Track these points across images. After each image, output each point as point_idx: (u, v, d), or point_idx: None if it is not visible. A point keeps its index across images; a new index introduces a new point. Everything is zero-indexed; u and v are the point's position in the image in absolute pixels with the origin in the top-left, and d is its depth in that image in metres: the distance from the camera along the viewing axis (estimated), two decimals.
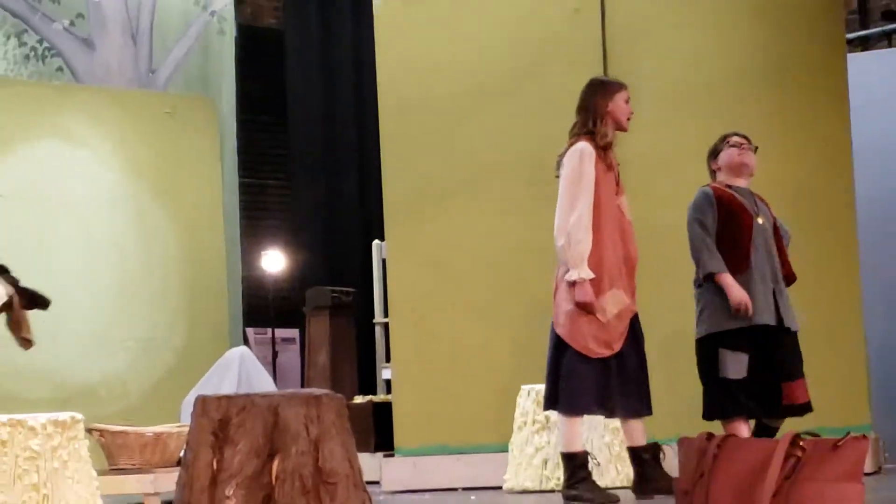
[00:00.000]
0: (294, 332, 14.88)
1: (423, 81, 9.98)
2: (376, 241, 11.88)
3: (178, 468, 6.93)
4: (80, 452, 8.74)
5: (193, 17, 13.87)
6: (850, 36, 12.00)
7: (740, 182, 7.43)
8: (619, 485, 8.37)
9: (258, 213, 15.01)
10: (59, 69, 13.13)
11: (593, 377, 7.37)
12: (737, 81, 9.42)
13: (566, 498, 7.25)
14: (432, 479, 9.48)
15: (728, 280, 7.23)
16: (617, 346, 7.40)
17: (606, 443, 8.66)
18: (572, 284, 7.28)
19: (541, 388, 8.70)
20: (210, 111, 13.01)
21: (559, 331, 7.45)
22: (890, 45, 13.17)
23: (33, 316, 10.71)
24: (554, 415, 7.91)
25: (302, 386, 13.01)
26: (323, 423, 6.58)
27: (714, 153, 7.57)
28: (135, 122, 12.25)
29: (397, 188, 10.02)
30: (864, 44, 13.22)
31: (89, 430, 9.10)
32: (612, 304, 7.42)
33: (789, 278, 7.40)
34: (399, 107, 10.05)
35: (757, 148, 7.54)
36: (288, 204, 15.68)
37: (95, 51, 13.35)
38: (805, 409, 7.19)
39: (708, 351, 7.30)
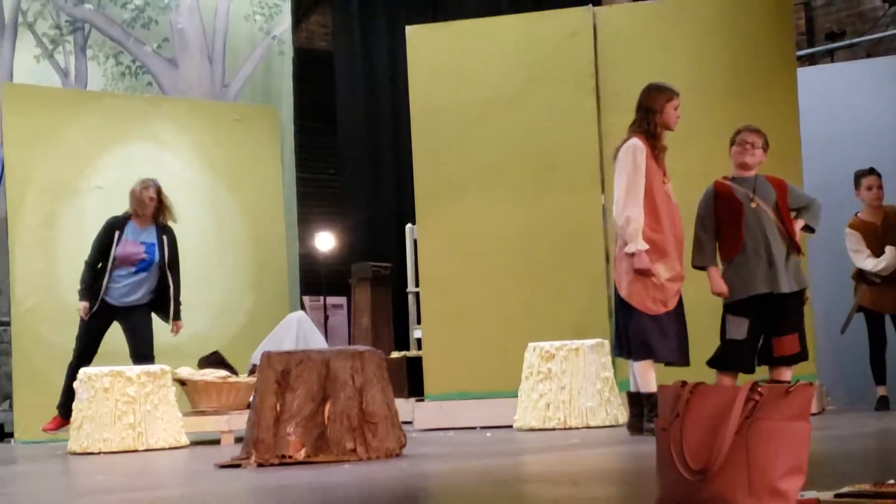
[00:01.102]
0: (342, 300, 14.86)
1: (446, 92, 10.01)
2: (409, 225, 11.86)
3: (248, 410, 6.98)
4: (168, 398, 8.84)
5: (258, 40, 13.86)
6: (800, 53, 11.94)
7: (746, 174, 7.46)
8: (607, 424, 8.39)
9: (311, 202, 14.98)
10: (149, 84, 13.13)
11: (654, 330, 7.44)
12: (707, 91, 9.40)
13: (647, 430, 7.17)
14: (455, 419, 9.51)
15: (711, 273, 7.46)
16: (671, 305, 7.45)
17: (598, 389, 8.65)
18: (631, 255, 7.32)
19: (543, 344, 8.79)
20: (272, 118, 13.00)
21: (622, 294, 7.51)
22: (832, 61, 13.09)
23: None
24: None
25: (348, 343, 12.98)
26: (366, 373, 6.63)
27: (731, 143, 7.64)
28: (210, 127, 12.24)
29: (426, 181, 10.06)
30: (811, 60, 13.16)
31: (176, 380, 9.14)
32: (665, 270, 7.44)
33: (795, 247, 7.42)
34: (427, 113, 10.09)
35: (767, 141, 7.56)
36: (336, 194, 15.66)
37: (178, 69, 13.35)
38: (795, 358, 7.34)
39: (721, 316, 7.45)
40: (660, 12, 10.32)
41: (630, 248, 7.40)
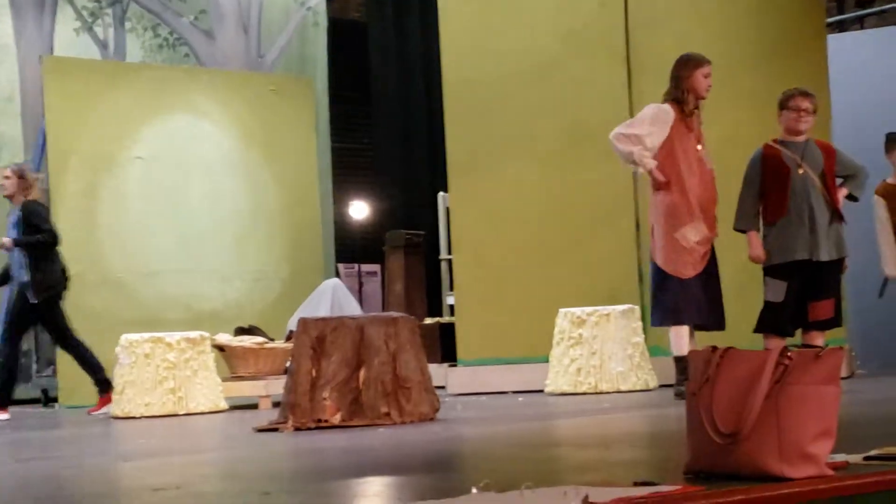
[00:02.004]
0: (376, 267, 14.86)
1: (478, 64, 9.98)
2: (441, 193, 11.85)
3: (285, 375, 6.99)
4: (208, 363, 8.88)
5: (293, 12, 13.86)
6: (830, 20, 11.84)
7: (797, 139, 7.35)
8: (637, 388, 8.37)
9: (346, 171, 15.00)
10: (187, 55, 13.17)
11: (685, 294, 7.46)
12: (739, 59, 9.36)
13: (677, 394, 7.19)
14: (487, 383, 9.51)
15: (751, 237, 7.38)
16: (700, 267, 7.45)
17: (629, 354, 8.64)
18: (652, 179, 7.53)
19: (574, 310, 8.80)
20: (307, 89, 13.00)
21: (657, 261, 7.56)
22: (862, 28, 13.00)
23: (172, 253, 10.73)
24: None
25: (382, 310, 12.99)
26: (399, 339, 6.63)
27: (780, 106, 7.50)
28: (247, 97, 12.25)
29: (458, 150, 10.06)
30: (841, 27, 13.06)
31: (215, 346, 9.17)
32: (693, 233, 7.44)
33: (838, 214, 7.32)
34: (459, 84, 10.06)
35: (815, 107, 7.44)
36: (370, 164, 15.66)
37: (215, 40, 13.37)
38: (829, 324, 7.31)
39: (763, 279, 7.40)
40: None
41: (637, 171, 7.85)
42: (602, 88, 9.65)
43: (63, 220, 10.74)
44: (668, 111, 7.56)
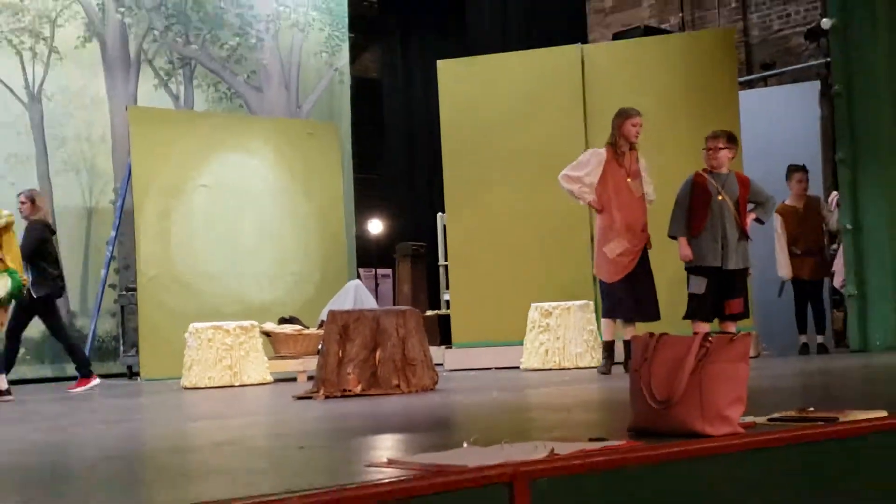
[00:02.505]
0: (388, 271, 14.90)
1: (467, 114, 10.05)
2: (439, 214, 11.87)
3: (318, 355, 6.99)
4: (257, 346, 8.90)
5: (324, 72, 13.88)
6: (741, 80, 11.85)
7: (721, 170, 7.40)
8: (592, 365, 8.38)
9: (364, 196, 15.02)
10: (240, 106, 13.18)
11: (611, 294, 7.57)
12: (670, 108, 9.42)
13: (600, 371, 7.49)
14: (476, 362, 9.53)
15: (681, 241, 7.44)
16: (623, 273, 7.49)
17: (584, 339, 8.69)
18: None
19: (543, 304, 8.91)
20: (334, 132, 13.02)
21: (595, 270, 7.83)
22: (766, 86, 13.04)
23: (228, 260, 10.68)
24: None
25: (393, 304, 13.00)
26: (407, 327, 6.63)
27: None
28: (287, 139, 12.26)
29: (452, 181, 10.15)
30: (749, 84, 13.08)
31: (262, 332, 9.18)
32: (617, 247, 7.49)
33: (745, 235, 7.39)
34: (453, 129, 10.13)
35: (731, 139, 7.53)
36: (384, 191, 15.69)
37: (263, 94, 13.39)
38: (739, 316, 7.39)
39: (687, 276, 7.46)
40: (633, 49, 10.34)
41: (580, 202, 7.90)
42: (564, 133, 9.68)
43: (144, 235, 10.76)
44: (601, 153, 7.67)
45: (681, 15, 15.39)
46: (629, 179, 7.61)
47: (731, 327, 7.44)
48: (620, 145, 7.61)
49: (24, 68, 11.76)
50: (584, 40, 12.44)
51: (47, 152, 11.76)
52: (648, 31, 13.52)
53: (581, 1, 13.68)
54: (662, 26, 14.98)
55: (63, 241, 11.71)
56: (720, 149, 7.39)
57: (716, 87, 9.60)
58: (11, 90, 11.64)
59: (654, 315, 7.52)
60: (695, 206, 7.36)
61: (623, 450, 2.69)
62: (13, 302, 7.95)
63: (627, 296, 7.50)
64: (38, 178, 11.62)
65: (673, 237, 7.54)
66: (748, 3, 14.59)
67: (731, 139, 7.51)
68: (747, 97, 10.94)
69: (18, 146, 11.58)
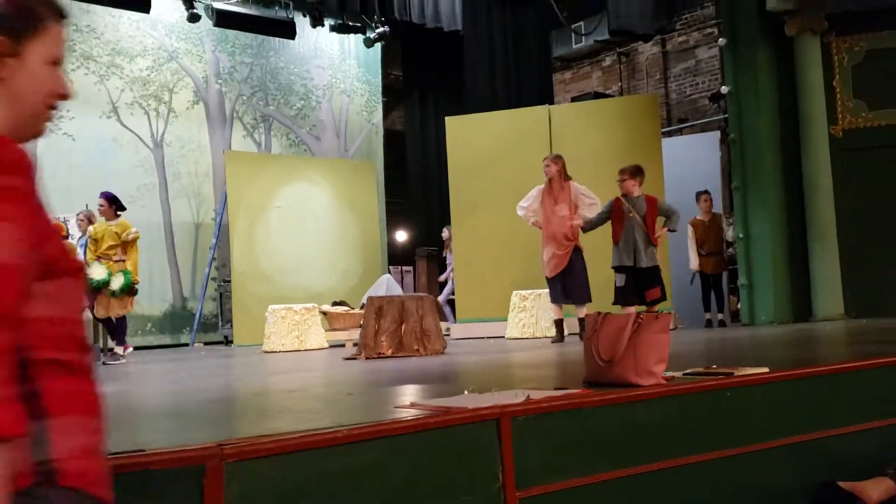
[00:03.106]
0: (410, 268, 14.89)
1: (467, 154, 10.05)
2: (447, 226, 11.85)
3: (360, 328, 6.99)
4: (317, 322, 8.92)
5: (364, 126, 13.90)
6: (663, 130, 11.87)
7: (633, 195, 7.19)
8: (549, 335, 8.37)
9: (393, 214, 15.03)
10: (305, 150, 13.20)
11: (552, 285, 7.51)
12: (612, 151, 9.38)
13: (552, 341, 7.37)
14: (474, 332, 9.50)
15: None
16: (556, 271, 7.41)
17: (552, 317, 8.67)
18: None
19: (522, 291, 8.82)
20: (371, 168, 13.06)
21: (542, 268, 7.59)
22: (682, 134, 13.03)
23: (295, 260, 10.60)
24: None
25: (414, 292, 13.00)
26: (424, 308, 6.61)
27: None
28: (338, 174, 12.29)
29: (456, 202, 10.15)
30: (669, 134, 13.09)
31: (321, 311, 9.19)
32: (546, 253, 7.47)
33: (651, 242, 7.13)
34: (457, 166, 10.13)
35: (634, 172, 7.25)
36: (406, 210, 15.68)
37: (321, 141, 13.40)
38: (657, 301, 7.17)
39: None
40: (586, 108, 10.33)
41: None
42: (537, 170, 9.64)
43: (235, 242, 10.79)
44: (540, 187, 7.65)
45: (620, 84, 15.40)
46: (556, 204, 7.52)
47: (654, 309, 7.38)
48: (555, 179, 7.56)
49: (150, 123, 11.79)
50: (551, 102, 12.42)
51: (167, 184, 11.79)
52: (597, 95, 13.52)
53: (549, 73, 13.69)
54: (607, 92, 14.98)
55: (179, 247, 11.75)
56: (625, 179, 7.19)
57: (645, 135, 9.59)
58: (141, 139, 11.68)
59: (581, 299, 7.42)
60: (613, 221, 7.21)
61: (579, 396, 2.68)
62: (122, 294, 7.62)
63: (559, 285, 7.42)
64: (160, 202, 11.65)
65: (585, 230, 7.45)
66: (669, 76, 14.61)
67: (635, 172, 7.24)
68: (669, 143, 10.95)
69: (146, 179, 11.62)
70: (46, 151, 10.75)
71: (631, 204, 7.23)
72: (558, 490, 2.47)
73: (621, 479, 2.60)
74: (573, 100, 14.38)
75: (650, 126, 9.71)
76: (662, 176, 9.38)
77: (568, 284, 7.41)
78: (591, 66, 15.97)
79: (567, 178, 7.62)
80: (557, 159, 7.62)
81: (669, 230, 7.39)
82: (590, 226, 7.41)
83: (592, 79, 15.84)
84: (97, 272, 7.31)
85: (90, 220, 8.23)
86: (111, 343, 7.78)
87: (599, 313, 3.19)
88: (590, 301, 7.46)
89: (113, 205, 7.52)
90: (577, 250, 7.49)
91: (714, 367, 3.30)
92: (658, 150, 9.51)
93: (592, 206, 7.55)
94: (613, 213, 7.29)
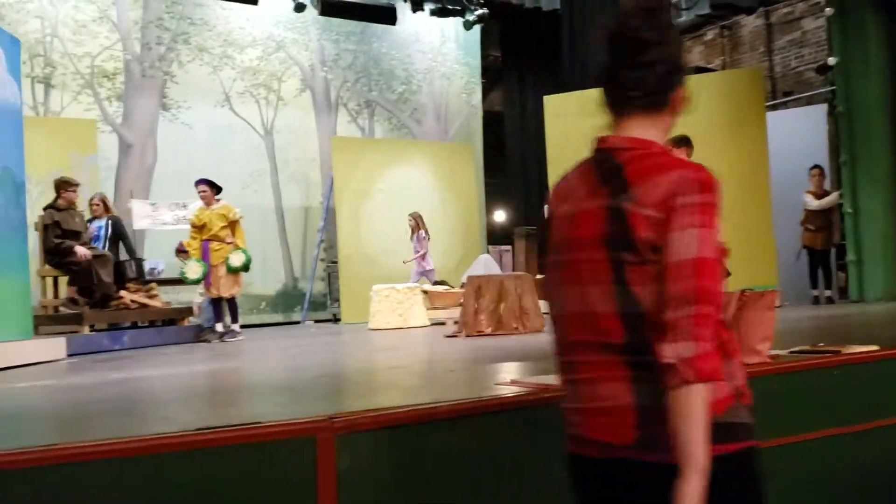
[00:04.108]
0: (509, 247, 14.83)
1: (565, 131, 9.85)
2: (545, 206, 11.69)
3: (460, 307, 7.02)
4: (419, 300, 9.00)
5: (464, 108, 13.88)
6: (768, 104, 11.40)
7: None
8: None
9: (492, 195, 14.99)
10: (407, 133, 13.29)
11: None
12: (715, 127, 9.04)
13: None
14: None
15: None
16: None
17: None
18: None
19: None
20: (471, 150, 13.02)
21: None
22: (787, 108, 12.51)
23: (399, 241, 10.70)
24: None
25: (513, 271, 12.96)
26: (523, 286, 6.59)
27: None
28: (439, 156, 12.32)
29: (555, 181, 9.90)
30: (774, 108, 12.57)
31: (423, 291, 9.26)
32: None
33: None
34: (555, 144, 10.01)
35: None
36: (505, 191, 15.62)
37: (422, 125, 13.46)
38: None
39: None
40: (689, 84, 9.91)
41: None
42: None
43: (342, 225, 11.01)
44: None
45: (722, 58, 14.88)
46: None
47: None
48: None
49: (260, 112, 12.11)
50: None
51: (277, 169, 12.11)
52: (699, 70, 13.09)
53: None
54: (709, 66, 14.50)
55: (289, 230, 12.08)
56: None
57: (750, 110, 9.22)
58: (253, 127, 12.02)
59: None
60: None
61: None
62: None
63: None
64: (271, 187, 11.98)
65: None
66: (773, 48, 14.03)
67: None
68: (773, 117, 10.51)
69: (258, 165, 11.96)
70: (166, 140, 11.22)
71: None
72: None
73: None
74: None
75: (754, 100, 9.32)
76: (767, 151, 9.01)
77: None
78: (692, 40, 15.47)
79: None
80: None
81: None
82: None
83: (694, 53, 15.35)
84: (193, 271, 7.52)
85: (105, 205, 8.24)
86: (229, 322, 8.03)
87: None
88: None
89: (213, 189, 7.68)
90: None
91: (821, 345, 3.18)
92: (762, 124, 9.14)
93: None
94: None
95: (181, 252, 8.96)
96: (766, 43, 14.12)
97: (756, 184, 8.94)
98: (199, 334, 7.95)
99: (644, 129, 1.55)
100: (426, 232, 10.36)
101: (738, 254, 8.70)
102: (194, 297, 9.33)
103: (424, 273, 10.29)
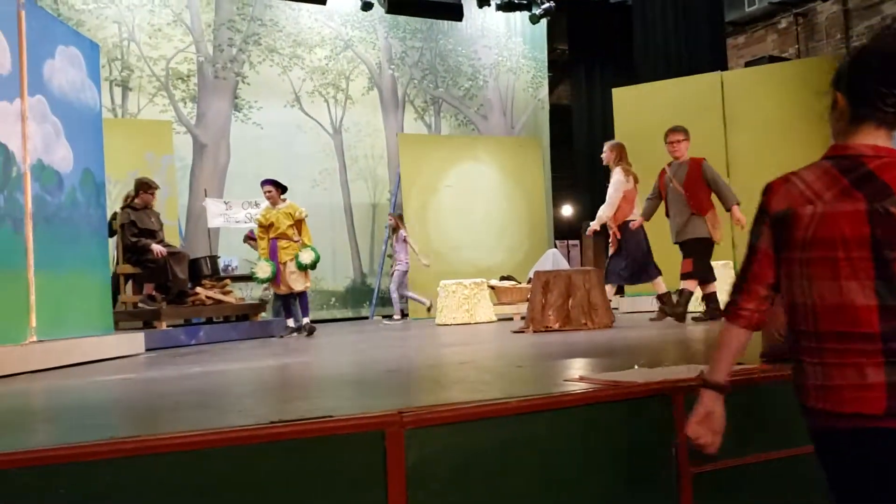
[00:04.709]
0: (576, 242, 14.74)
1: (634, 125, 9.71)
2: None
3: (527, 302, 6.99)
4: (486, 296, 9.00)
5: (530, 102, 13.82)
6: None
7: (678, 159, 6.56)
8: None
9: (559, 189, 14.91)
10: (473, 129, 13.30)
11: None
12: (789, 119, 8.81)
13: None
14: (641, 306, 9.27)
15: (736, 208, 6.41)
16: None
17: (726, 290, 8.25)
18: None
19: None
20: (537, 144, 12.96)
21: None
22: None
23: (465, 237, 10.69)
24: None
25: (581, 265, 12.84)
26: (591, 281, 6.53)
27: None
28: (506, 151, 12.29)
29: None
30: None
31: (489, 286, 9.26)
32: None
33: (693, 210, 6.38)
34: (625, 137, 9.75)
35: (684, 132, 6.55)
36: (573, 185, 15.50)
37: (488, 120, 13.47)
38: (687, 276, 6.48)
39: None
40: (761, 74, 9.72)
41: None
42: (707, 136, 9.28)
43: (410, 222, 11.07)
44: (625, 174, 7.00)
45: (797, 46, 14.45)
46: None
47: (662, 286, 6.73)
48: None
49: (329, 111, 12.28)
50: (724, 68, 11.82)
51: (346, 167, 12.27)
52: (772, 59, 12.76)
53: (722, 38, 13.03)
54: (783, 55, 14.09)
55: (358, 227, 12.22)
56: (676, 141, 6.51)
57: (826, 101, 8.94)
58: (321, 125, 12.20)
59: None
60: (659, 186, 6.67)
61: (757, 371, 2.57)
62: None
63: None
64: (340, 185, 12.14)
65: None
66: (851, 35, 13.55)
67: (679, 131, 6.60)
68: None
69: (327, 163, 12.13)
70: (239, 139, 11.47)
71: (673, 172, 6.55)
72: (733, 467, 2.38)
73: (800, 457, 2.47)
74: (747, 65, 13.62)
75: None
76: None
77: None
78: (765, 29, 15.06)
79: (619, 163, 7.00)
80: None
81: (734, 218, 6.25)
82: (647, 216, 6.82)
83: (767, 42, 14.94)
84: (262, 271, 7.64)
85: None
86: (299, 318, 8.15)
87: None
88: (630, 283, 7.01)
89: (279, 189, 7.79)
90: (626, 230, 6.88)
91: None
92: None
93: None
94: (659, 181, 6.66)
95: (250, 239, 9.20)
96: (844, 30, 13.64)
97: None
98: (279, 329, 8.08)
99: (875, 138, 1.70)
100: (406, 232, 10.31)
101: None
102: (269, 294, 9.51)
103: (403, 273, 10.23)
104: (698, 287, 6.55)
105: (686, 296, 6.49)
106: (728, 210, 6.37)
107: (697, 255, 6.42)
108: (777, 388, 2.51)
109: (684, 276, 6.51)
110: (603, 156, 7.04)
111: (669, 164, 6.67)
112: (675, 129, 6.63)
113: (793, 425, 2.50)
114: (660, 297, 6.87)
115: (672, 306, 6.63)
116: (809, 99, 8.95)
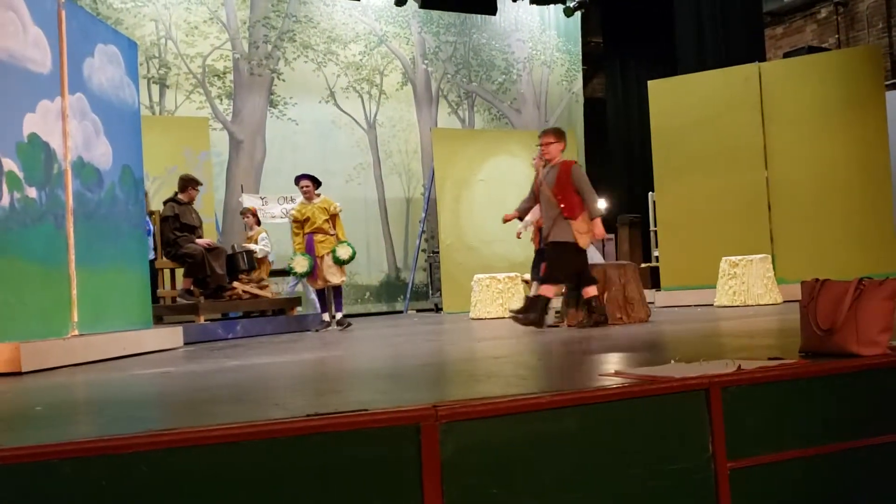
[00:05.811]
0: (612, 235, 14.59)
1: (672, 118, 9.65)
2: (650, 193, 11.47)
3: (562, 296, 6.90)
4: (519, 290, 9.09)
5: (564, 95, 13.75)
6: (887, 83, 10.79)
7: (550, 162, 6.20)
8: (769, 303, 7.92)
9: (595, 183, 14.72)
10: (506, 123, 13.27)
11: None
12: (829, 109, 8.66)
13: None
14: (679, 300, 9.21)
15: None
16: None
17: (764, 283, 8.19)
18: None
19: (731, 258, 8.39)
20: (572, 137, 12.82)
21: None
22: None
23: (498, 231, 10.74)
24: None
25: (616, 259, 12.74)
26: (627, 275, 6.49)
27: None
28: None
29: (660, 167, 9.82)
30: (894, 87, 11.87)
31: (522, 280, 9.24)
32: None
33: (565, 214, 6.01)
34: (660, 130, 9.76)
35: (555, 135, 6.20)
36: (609, 177, 15.36)
37: (521, 114, 13.44)
38: (543, 279, 6.19)
39: None
40: (800, 65, 9.55)
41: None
42: (745, 128, 9.19)
43: (443, 215, 11.11)
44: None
45: (837, 36, 14.20)
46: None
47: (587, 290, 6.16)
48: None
49: (364, 106, 12.34)
50: (762, 59, 11.65)
51: (380, 162, 12.31)
52: (811, 49, 12.55)
53: (760, 28, 12.83)
54: (823, 46, 13.86)
55: (392, 221, 12.27)
56: (550, 143, 6.14)
57: (867, 90, 8.84)
58: (356, 121, 12.25)
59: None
60: (533, 192, 6.36)
61: (795, 366, 2.53)
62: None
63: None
64: (374, 179, 12.19)
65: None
66: (893, 24, 13.29)
67: (560, 134, 6.30)
68: (893, 98, 9.95)
69: (361, 158, 12.19)
70: (274, 135, 11.56)
71: (544, 175, 6.17)
72: (771, 462, 2.35)
73: (839, 453, 2.43)
74: (785, 56, 13.39)
75: (872, 80, 8.87)
76: (886, 133, 8.57)
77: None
78: (804, 19, 14.79)
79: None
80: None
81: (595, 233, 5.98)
82: (521, 213, 6.52)
83: (806, 32, 14.68)
84: (300, 265, 7.66)
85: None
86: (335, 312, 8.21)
87: (817, 280, 2.97)
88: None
89: (314, 184, 7.81)
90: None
91: None
92: (882, 105, 8.69)
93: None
94: (534, 185, 6.30)
95: (253, 216, 9.12)
96: (886, 19, 13.36)
97: (875, 167, 8.54)
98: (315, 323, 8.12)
99: None
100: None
101: (856, 240, 8.36)
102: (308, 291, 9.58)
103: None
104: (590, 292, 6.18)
105: (542, 301, 6.05)
106: (591, 220, 6.06)
107: (554, 259, 6.10)
108: (817, 383, 2.47)
109: (540, 281, 6.24)
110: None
111: (544, 166, 6.33)
112: (546, 132, 6.27)
113: (830, 422, 2.46)
114: (587, 302, 6.47)
115: (528, 313, 6.15)
116: (851, 89, 8.82)
